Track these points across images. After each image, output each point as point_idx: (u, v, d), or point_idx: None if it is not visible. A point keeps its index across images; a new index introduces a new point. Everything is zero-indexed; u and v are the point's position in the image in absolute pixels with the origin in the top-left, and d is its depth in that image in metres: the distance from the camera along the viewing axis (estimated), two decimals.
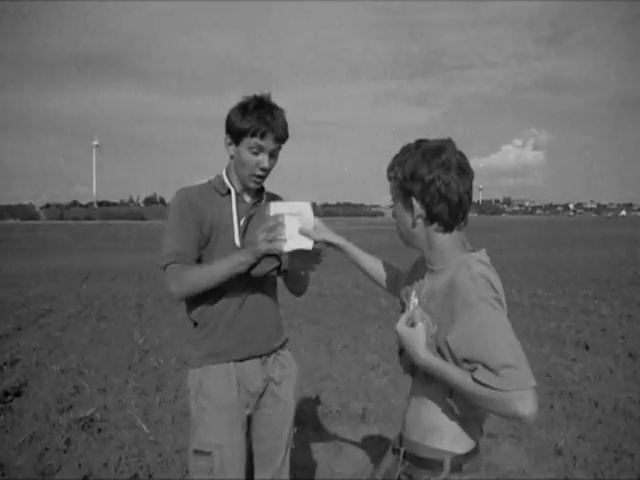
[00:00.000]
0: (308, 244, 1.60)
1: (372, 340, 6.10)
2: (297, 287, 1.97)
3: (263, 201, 1.87)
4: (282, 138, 1.76)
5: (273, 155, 1.77)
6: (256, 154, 1.74)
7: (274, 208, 1.60)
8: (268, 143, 1.73)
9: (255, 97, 1.75)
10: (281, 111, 1.76)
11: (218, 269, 1.69)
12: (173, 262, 1.72)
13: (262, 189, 1.89)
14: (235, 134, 1.74)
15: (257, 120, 1.70)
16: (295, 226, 1.59)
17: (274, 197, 1.95)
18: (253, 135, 1.71)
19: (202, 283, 1.71)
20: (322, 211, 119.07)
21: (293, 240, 1.59)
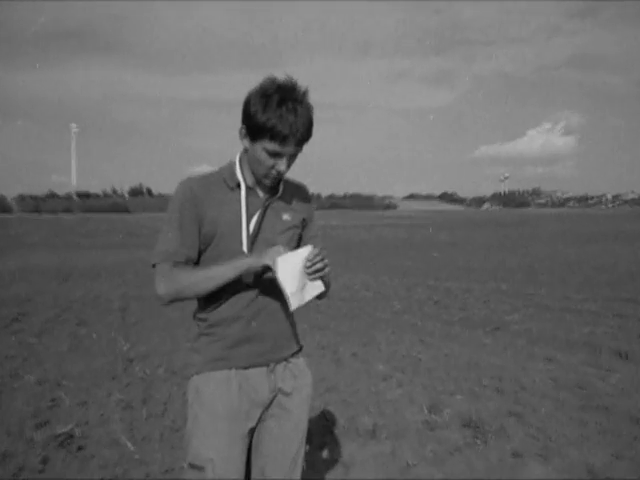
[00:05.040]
0: (320, 287, 1.72)
1: (383, 348, 6.11)
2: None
3: (279, 193, 1.86)
4: (305, 140, 1.73)
5: (293, 156, 1.75)
6: (273, 157, 1.72)
7: (282, 266, 1.64)
8: (288, 149, 1.70)
9: (279, 86, 1.68)
10: (307, 107, 1.70)
11: (216, 274, 1.70)
12: (164, 261, 1.72)
13: (279, 180, 1.86)
14: (252, 130, 1.70)
15: (279, 120, 1.64)
16: (304, 276, 1.67)
17: (294, 187, 1.93)
18: (272, 139, 1.67)
19: (194, 288, 1.71)
20: (327, 203, 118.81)
21: (307, 292, 1.69)
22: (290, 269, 1.64)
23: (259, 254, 1.69)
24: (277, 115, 1.65)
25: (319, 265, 1.68)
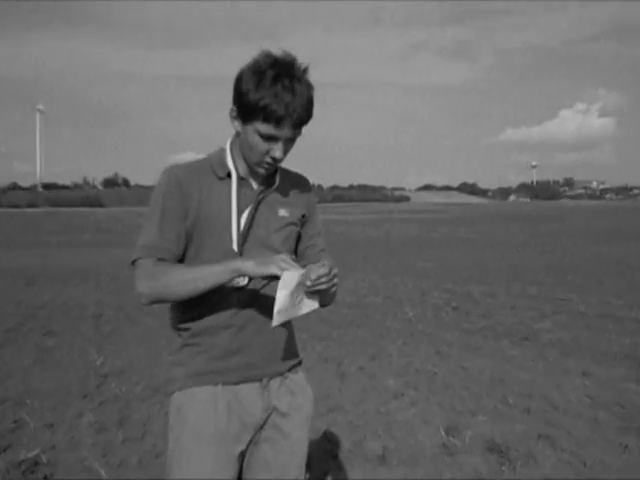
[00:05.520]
0: (314, 305, 1.72)
1: (394, 361, 6.10)
2: (322, 297, 1.85)
3: (275, 184, 1.85)
4: (304, 122, 1.72)
5: (290, 141, 1.74)
6: (267, 141, 1.71)
7: (285, 279, 1.64)
8: (284, 131, 1.69)
9: (275, 61, 1.68)
10: (306, 85, 1.69)
11: (206, 275, 1.69)
12: (146, 257, 1.73)
13: (275, 170, 1.86)
14: (244, 110, 1.69)
15: (274, 99, 1.63)
16: (302, 291, 1.67)
17: (293, 178, 1.93)
18: (266, 120, 1.66)
19: (179, 289, 1.70)
20: (330, 195, 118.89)
21: (298, 308, 1.69)
22: (289, 282, 1.63)
23: (262, 261, 1.66)
24: (272, 93, 1.64)
25: (324, 286, 1.65)
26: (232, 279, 1.70)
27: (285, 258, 1.65)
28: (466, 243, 23.53)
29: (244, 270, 1.66)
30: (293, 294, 1.64)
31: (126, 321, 8.40)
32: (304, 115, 1.69)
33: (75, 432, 4.30)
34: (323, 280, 1.63)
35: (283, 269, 1.62)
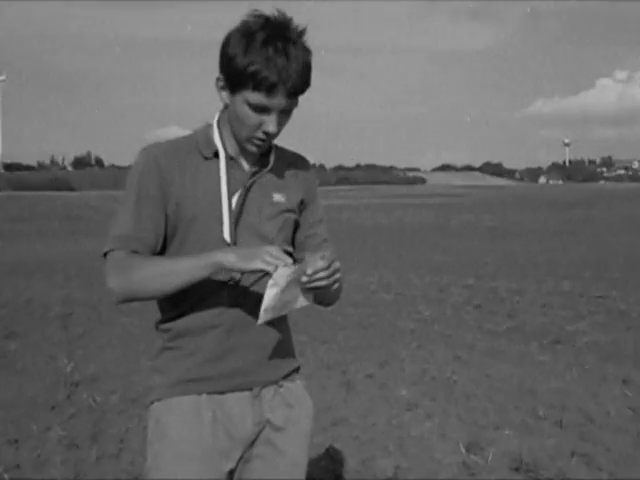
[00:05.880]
0: (307, 302, 1.72)
1: (407, 367, 6.11)
2: (323, 297, 1.85)
3: (270, 165, 1.85)
4: (299, 91, 1.72)
5: (285, 112, 1.74)
6: (259, 113, 1.71)
7: (277, 276, 1.63)
8: (277, 101, 1.68)
9: (267, 21, 1.68)
10: (302, 48, 1.70)
11: (182, 269, 1.69)
12: (119, 248, 1.73)
13: (269, 149, 1.86)
14: (231, 78, 1.70)
15: (265, 64, 1.64)
16: (297, 288, 1.66)
17: (290, 158, 1.93)
18: (256, 88, 1.66)
19: (152, 285, 1.71)
20: (334, 177, 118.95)
21: (289, 304, 1.69)
22: (280, 279, 1.62)
23: (246, 254, 1.65)
24: (262, 57, 1.64)
25: (323, 283, 1.63)
26: (213, 274, 1.69)
27: (272, 250, 1.63)
28: (490, 232, 23.51)
29: (225, 264, 1.65)
30: (285, 291, 1.63)
31: (99, 321, 8.41)
32: (299, 82, 1.69)
33: (42, 449, 4.31)
34: (322, 275, 1.61)
35: (269, 264, 1.61)
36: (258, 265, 1.62)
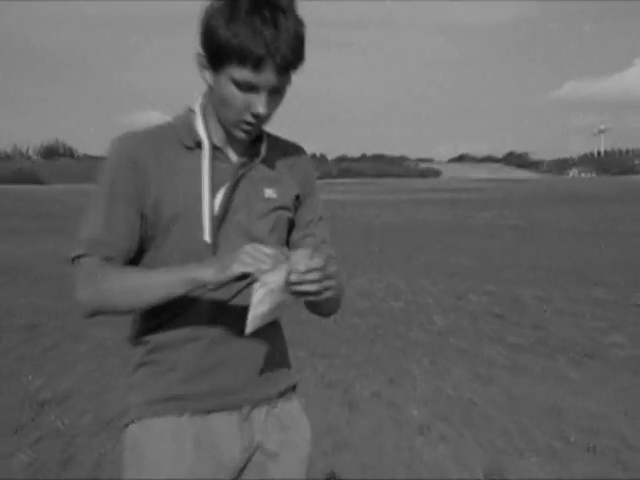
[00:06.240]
0: (293, 305, 1.68)
1: (420, 385, 6.11)
2: (320, 306, 1.84)
3: (261, 155, 1.85)
4: (291, 66, 1.70)
5: (277, 92, 1.73)
6: (246, 92, 1.70)
7: (264, 283, 1.60)
8: (266, 77, 1.67)
9: None
10: (293, 18, 1.69)
11: (159, 284, 1.69)
12: (91, 254, 1.74)
13: (260, 137, 1.86)
14: (213, 54, 1.69)
15: (250, 35, 1.63)
16: (285, 292, 1.62)
17: (284, 148, 1.93)
18: (241, 63, 1.65)
19: (124, 299, 1.71)
20: (336, 169, 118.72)
21: (278, 309, 1.66)
22: (268, 282, 1.60)
23: (223, 264, 1.61)
24: (247, 28, 1.63)
25: (313, 288, 1.58)
26: (191, 291, 1.67)
27: (251, 250, 1.60)
28: (514, 232, 23.45)
29: (203, 281, 1.63)
30: (274, 294, 1.61)
31: (69, 333, 8.38)
32: (290, 55, 1.67)
33: (6, 475, 4.31)
34: (312, 277, 1.56)
35: (248, 265, 1.58)
36: (236, 270, 1.58)
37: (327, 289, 1.60)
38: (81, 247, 1.75)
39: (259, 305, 1.62)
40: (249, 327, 1.65)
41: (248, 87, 1.68)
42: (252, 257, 1.58)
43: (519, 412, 5.35)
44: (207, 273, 1.62)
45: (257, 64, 1.64)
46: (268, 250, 1.60)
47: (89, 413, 5.43)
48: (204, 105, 1.84)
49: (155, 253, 1.80)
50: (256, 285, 1.60)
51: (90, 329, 8.33)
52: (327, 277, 1.58)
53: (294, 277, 1.56)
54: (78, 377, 6.48)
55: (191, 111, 1.85)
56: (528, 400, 5.64)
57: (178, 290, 1.66)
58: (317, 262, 1.56)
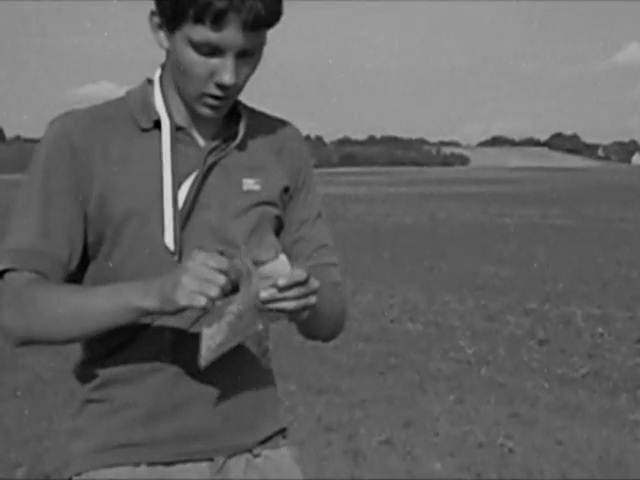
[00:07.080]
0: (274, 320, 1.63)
1: (442, 430, 6.14)
2: (315, 327, 1.85)
3: (238, 138, 1.84)
4: (263, 21, 1.68)
5: (247, 55, 1.71)
6: (208, 56, 1.69)
7: (219, 313, 1.59)
8: (230, 36, 1.66)
9: None
10: None
11: (100, 311, 1.67)
12: (19, 267, 1.73)
13: (236, 112, 1.86)
14: (167, 10, 1.69)
15: None
16: (255, 315, 1.59)
17: (269, 127, 1.93)
18: (199, 19, 1.64)
19: (63, 329, 1.70)
20: (336, 155, 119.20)
21: (241, 333, 1.63)
22: (228, 315, 1.58)
23: (164, 289, 1.56)
24: None
25: (291, 305, 1.55)
26: (138, 319, 1.66)
27: (197, 269, 1.53)
28: (562, 234, 23.54)
29: (147, 310, 1.62)
30: (232, 323, 1.59)
31: (0, 363, 8.42)
32: (260, 8, 1.64)
33: None
34: (294, 294, 1.53)
35: (192, 299, 1.52)
36: (180, 303, 1.53)
37: (305, 308, 1.57)
38: (8, 259, 1.73)
39: (216, 335, 1.61)
40: (203, 361, 1.64)
41: (209, 49, 1.67)
42: (198, 279, 1.52)
43: (570, 463, 5.36)
44: (152, 304, 1.59)
45: (217, 19, 1.63)
46: (222, 263, 1.54)
47: (23, 465, 5.45)
48: (164, 76, 1.84)
49: (103, 263, 1.79)
50: (207, 317, 1.60)
51: (25, 358, 8.36)
52: (311, 292, 1.56)
53: (264, 295, 1.52)
54: (8, 419, 6.50)
55: (148, 84, 1.85)
56: (581, 448, 5.65)
57: (122, 319, 1.65)
58: (299, 274, 1.52)
